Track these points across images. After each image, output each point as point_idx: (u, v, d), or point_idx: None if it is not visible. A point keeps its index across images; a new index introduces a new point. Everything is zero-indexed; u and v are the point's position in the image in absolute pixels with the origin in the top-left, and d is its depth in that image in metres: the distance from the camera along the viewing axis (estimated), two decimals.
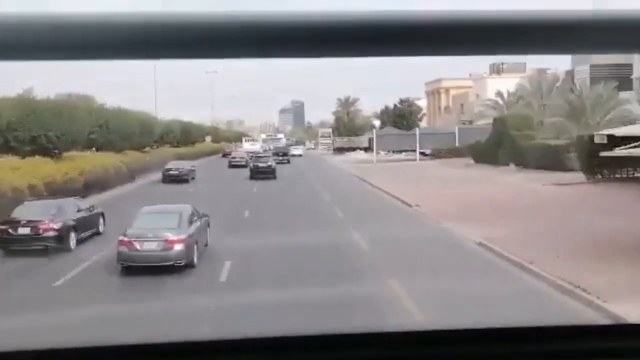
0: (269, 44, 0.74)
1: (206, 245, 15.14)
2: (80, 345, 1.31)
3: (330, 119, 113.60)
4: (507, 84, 75.55)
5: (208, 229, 15.63)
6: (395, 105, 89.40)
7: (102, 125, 34.92)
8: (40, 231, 15.24)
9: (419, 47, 0.76)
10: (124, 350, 1.32)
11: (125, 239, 13.22)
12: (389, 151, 55.84)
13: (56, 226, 15.61)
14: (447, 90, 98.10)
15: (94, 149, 35.58)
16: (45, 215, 15.83)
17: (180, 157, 43.86)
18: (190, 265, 13.30)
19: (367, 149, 69.01)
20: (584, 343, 1.43)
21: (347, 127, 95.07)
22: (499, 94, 63.76)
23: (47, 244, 15.16)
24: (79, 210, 17.17)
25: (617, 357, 1.39)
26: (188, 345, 1.37)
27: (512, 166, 36.70)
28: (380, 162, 50.91)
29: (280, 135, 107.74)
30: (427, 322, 9.39)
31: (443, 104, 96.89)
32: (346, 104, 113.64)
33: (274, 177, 35.58)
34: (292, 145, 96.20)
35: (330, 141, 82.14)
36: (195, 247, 13.71)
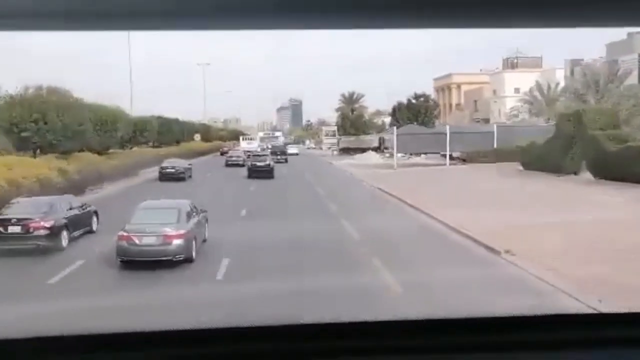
0: (273, 12, 0.75)
1: (205, 240, 16.81)
2: (75, 333, 1.41)
3: (331, 117, 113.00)
4: (527, 78, 74.39)
5: (206, 225, 17.33)
6: (409, 101, 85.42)
7: (38, 120, 29.52)
8: (31, 229, 16.31)
9: (427, 18, 0.76)
10: (118, 339, 1.42)
11: (125, 233, 14.47)
12: (406, 154, 51.71)
13: (48, 224, 16.68)
14: (458, 86, 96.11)
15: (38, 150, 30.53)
16: (37, 213, 16.99)
17: (158, 160, 41.12)
18: (188, 260, 14.66)
19: (378, 150, 68.63)
20: (569, 332, 1.51)
21: (354, 124, 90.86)
22: (537, 87, 61.65)
23: (39, 242, 16.22)
24: (71, 208, 18.59)
25: (601, 346, 1.47)
26: (184, 333, 1.47)
27: (584, 175, 31.51)
28: (401, 166, 47.00)
29: (278, 134, 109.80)
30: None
31: (454, 100, 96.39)
32: (350, 100, 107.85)
33: (272, 177, 38.26)
34: (289, 144, 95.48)
35: (336, 141, 79.25)
36: (194, 242, 15.19)
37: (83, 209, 19.22)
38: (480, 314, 1.49)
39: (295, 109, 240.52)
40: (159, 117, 58.79)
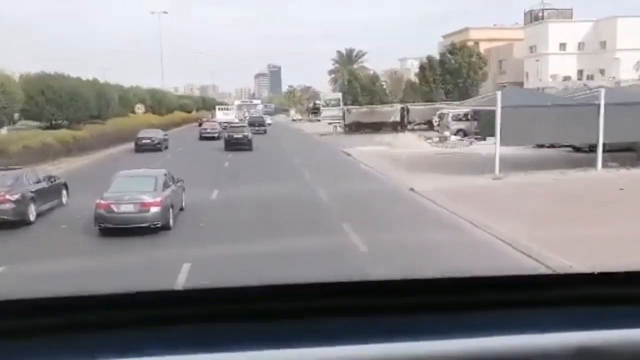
0: None
1: (182, 209, 17.52)
2: (61, 295, 1.45)
3: (317, 84, 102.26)
4: (574, 31, 65.04)
5: (183, 194, 17.98)
6: (443, 56, 64.92)
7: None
8: None
9: None
10: (101, 300, 1.46)
11: (103, 201, 15.02)
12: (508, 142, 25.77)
13: (13, 197, 16.60)
14: (476, 43, 76.22)
15: None
16: (1, 186, 16.98)
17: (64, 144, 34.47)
18: (165, 228, 15.36)
19: (400, 126, 51.76)
20: (534, 292, 1.59)
21: (366, 89, 69.84)
22: None
23: (4, 216, 16.15)
24: (38, 181, 18.48)
25: (567, 305, 1.55)
26: (165, 294, 1.55)
27: None
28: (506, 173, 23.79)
29: (257, 102, 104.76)
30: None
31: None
32: (349, 59, 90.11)
33: (250, 149, 38.20)
34: (269, 113, 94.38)
35: (340, 112, 56.81)
36: (171, 210, 15.85)
37: (52, 182, 19.23)
38: (447, 274, 1.61)
39: (274, 75, 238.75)
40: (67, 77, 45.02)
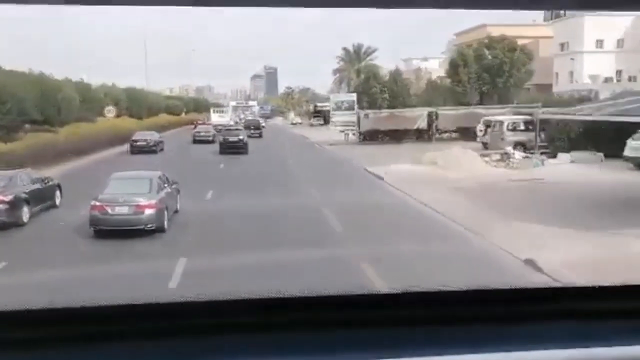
0: None
1: (176, 211, 17.59)
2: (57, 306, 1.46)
3: (315, 85, 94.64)
4: (617, 25, 55.69)
5: (178, 196, 18.06)
6: (478, 50, 53.78)
7: None
8: None
9: None
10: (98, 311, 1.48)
11: (97, 203, 15.22)
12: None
13: (6, 199, 16.71)
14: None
15: None
16: None
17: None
18: (160, 230, 15.48)
19: (427, 135, 43.52)
20: (530, 305, 1.59)
21: (387, 88, 57.78)
22: None
23: None
24: (32, 182, 18.57)
25: (570, 319, 1.55)
26: (162, 306, 1.53)
27: None
28: None
29: (253, 103, 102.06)
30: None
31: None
32: (357, 56, 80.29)
33: (246, 152, 38.12)
34: (267, 116, 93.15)
35: (354, 117, 47.68)
36: (165, 212, 15.96)
37: (45, 183, 19.28)
38: (446, 288, 1.59)
39: (270, 76, 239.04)
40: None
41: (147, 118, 57.89)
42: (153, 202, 15.35)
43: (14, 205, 16.77)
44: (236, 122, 60.36)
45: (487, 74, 51.70)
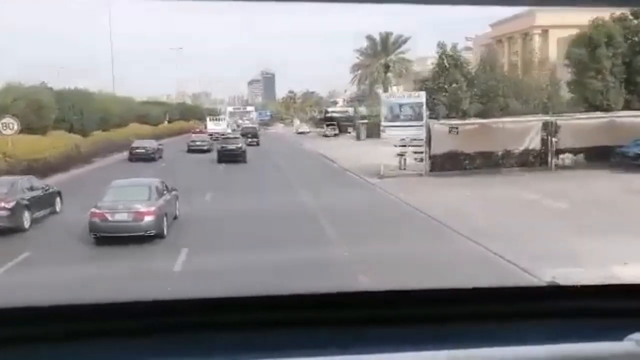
0: None
1: (175, 217, 18.15)
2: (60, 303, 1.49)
3: (319, 89, 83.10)
4: None
5: (177, 203, 18.56)
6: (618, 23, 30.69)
7: None
8: None
9: None
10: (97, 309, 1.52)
11: (97, 210, 15.74)
12: None
13: (8, 205, 17.33)
14: (545, 31, 56.81)
15: None
16: None
17: None
18: (159, 236, 15.99)
19: (538, 158, 30.07)
20: (521, 304, 1.65)
21: (475, 84, 32.21)
22: None
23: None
24: (33, 189, 19.17)
25: (552, 318, 1.60)
26: (159, 303, 1.58)
27: None
28: None
29: (250, 108, 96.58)
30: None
31: (536, 54, 47.34)
32: (384, 46, 63.75)
33: (244, 161, 38.52)
34: (266, 123, 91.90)
35: (423, 131, 29.64)
36: (165, 218, 16.46)
37: (46, 190, 19.95)
38: (441, 286, 1.62)
39: (267, 82, 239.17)
40: None
41: (107, 130, 43.78)
42: (152, 208, 15.83)
43: (16, 211, 17.35)
44: (234, 130, 59.14)
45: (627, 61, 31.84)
